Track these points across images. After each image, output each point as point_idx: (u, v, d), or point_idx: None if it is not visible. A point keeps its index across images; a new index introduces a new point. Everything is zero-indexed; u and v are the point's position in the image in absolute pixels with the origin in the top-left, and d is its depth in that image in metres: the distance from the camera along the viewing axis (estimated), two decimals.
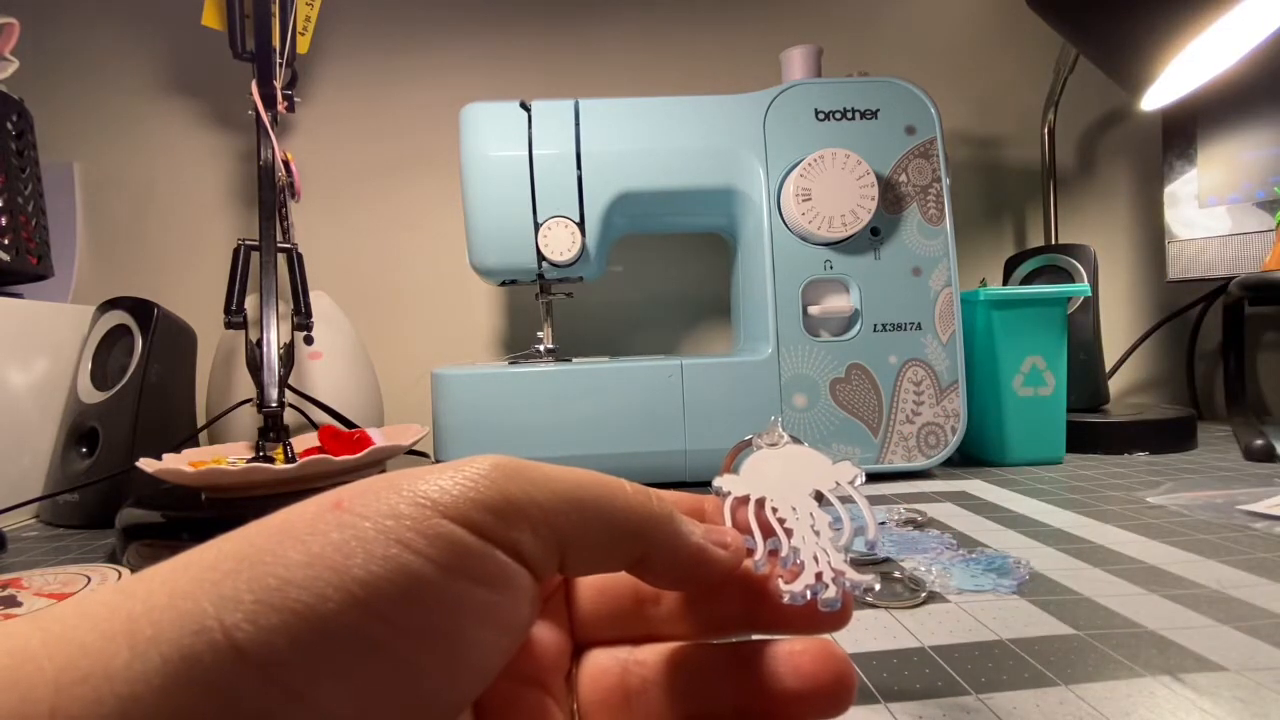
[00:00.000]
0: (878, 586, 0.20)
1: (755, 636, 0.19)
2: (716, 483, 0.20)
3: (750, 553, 0.18)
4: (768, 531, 0.19)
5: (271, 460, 0.50)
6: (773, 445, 0.22)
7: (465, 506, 0.14)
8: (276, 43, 0.62)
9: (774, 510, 0.19)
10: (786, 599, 0.17)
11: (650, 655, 0.19)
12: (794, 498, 0.19)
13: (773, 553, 0.18)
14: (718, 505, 0.20)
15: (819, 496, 0.19)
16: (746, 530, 0.19)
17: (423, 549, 0.13)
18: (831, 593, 0.17)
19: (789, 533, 0.18)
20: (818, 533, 0.18)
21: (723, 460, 0.23)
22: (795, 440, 0.22)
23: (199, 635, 0.11)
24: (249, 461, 0.50)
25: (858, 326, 0.60)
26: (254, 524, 0.14)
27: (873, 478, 0.59)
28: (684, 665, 0.18)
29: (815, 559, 0.18)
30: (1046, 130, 0.80)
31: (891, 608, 0.32)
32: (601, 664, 0.19)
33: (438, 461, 0.61)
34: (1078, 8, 0.60)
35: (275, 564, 0.12)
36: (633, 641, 0.19)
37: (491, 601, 0.14)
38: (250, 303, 0.56)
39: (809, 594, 0.17)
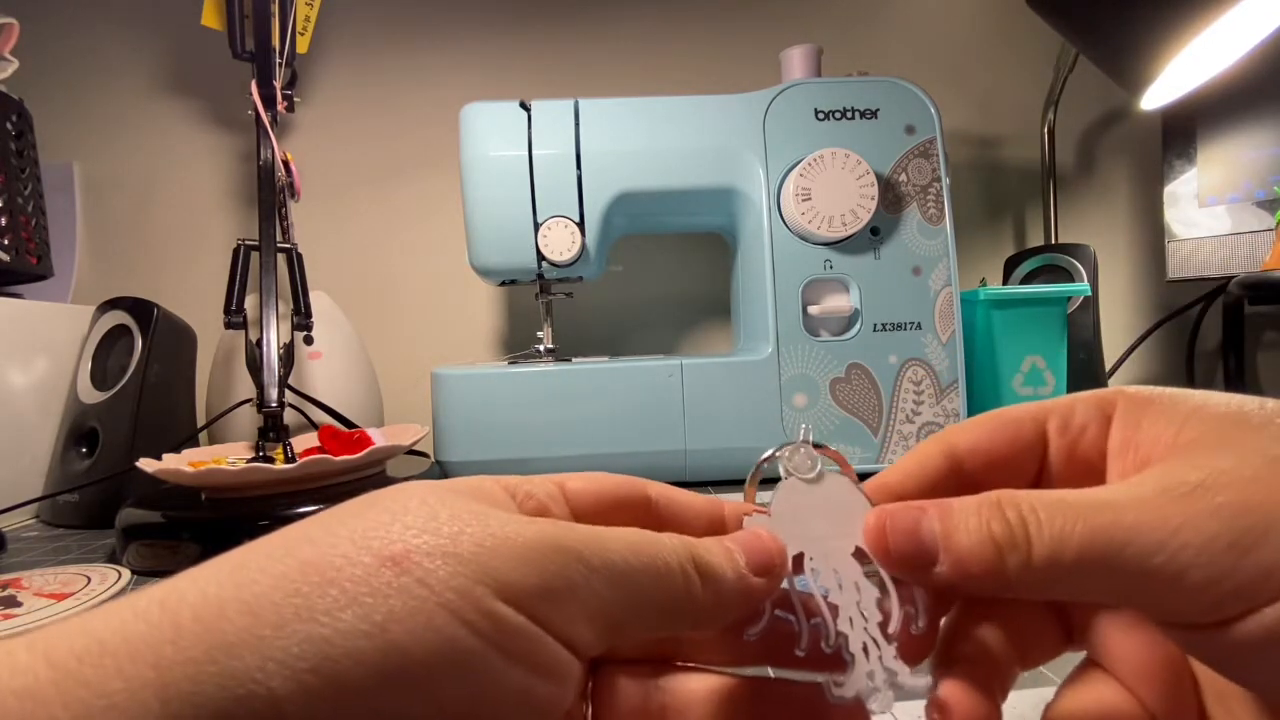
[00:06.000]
0: (936, 690, 0.17)
1: (773, 673, 0.18)
2: (747, 523, 0.18)
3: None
4: (810, 610, 0.17)
5: (271, 460, 0.50)
6: (806, 477, 0.18)
7: (530, 595, 0.13)
8: (276, 43, 0.62)
9: (814, 572, 0.17)
10: (833, 700, 0.16)
11: (671, 683, 0.18)
12: (836, 557, 0.17)
13: (813, 628, 0.17)
14: (736, 514, 0.19)
15: (861, 553, 0.17)
16: (785, 606, 0.17)
17: (488, 633, 0.12)
18: (885, 701, 0.15)
19: (834, 609, 0.17)
20: (865, 615, 0.16)
21: (747, 480, 0.19)
22: (829, 457, 0.19)
23: (243, 701, 0.10)
24: (249, 461, 0.50)
25: (858, 326, 0.60)
26: (282, 551, 0.12)
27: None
28: (704, 698, 0.17)
29: (865, 650, 0.16)
30: (1046, 130, 0.80)
31: None
32: (621, 685, 0.18)
33: (438, 462, 0.61)
34: (1078, 7, 0.60)
35: (331, 628, 0.11)
36: (648, 659, 0.19)
37: (542, 690, 0.13)
38: (250, 303, 0.56)
39: (859, 699, 0.16)
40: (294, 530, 0.13)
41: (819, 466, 0.18)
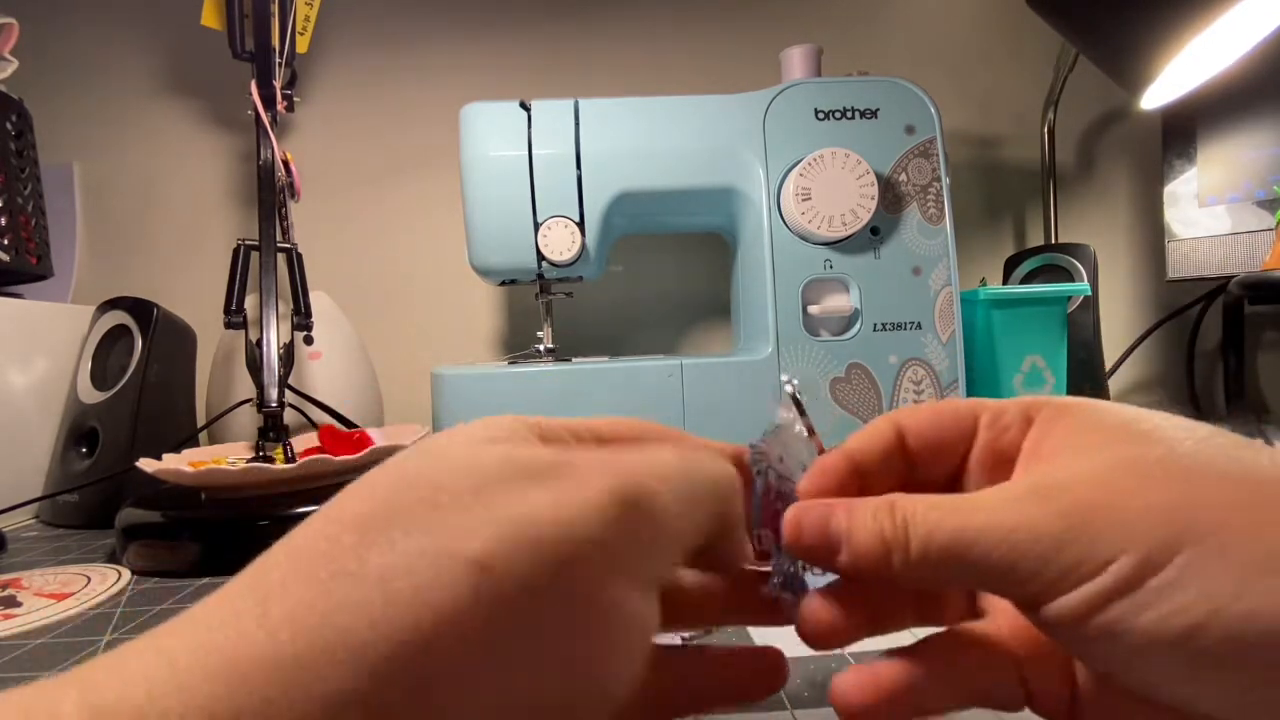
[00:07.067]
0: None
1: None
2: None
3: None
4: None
5: (271, 460, 0.50)
6: (776, 429, 0.21)
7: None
8: (276, 42, 0.62)
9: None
10: (765, 589, 0.20)
11: None
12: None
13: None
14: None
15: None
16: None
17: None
18: (789, 598, 0.19)
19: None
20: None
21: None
22: (798, 410, 0.21)
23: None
24: (249, 461, 0.50)
25: (858, 326, 0.60)
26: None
27: None
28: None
29: (784, 565, 0.19)
30: (1046, 130, 0.80)
31: None
32: None
33: None
34: (1078, 7, 0.60)
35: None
36: None
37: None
38: (250, 303, 0.56)
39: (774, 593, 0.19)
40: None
41: (789, 417, 0.21)
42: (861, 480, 0.19)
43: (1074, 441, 0.16)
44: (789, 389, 0.21)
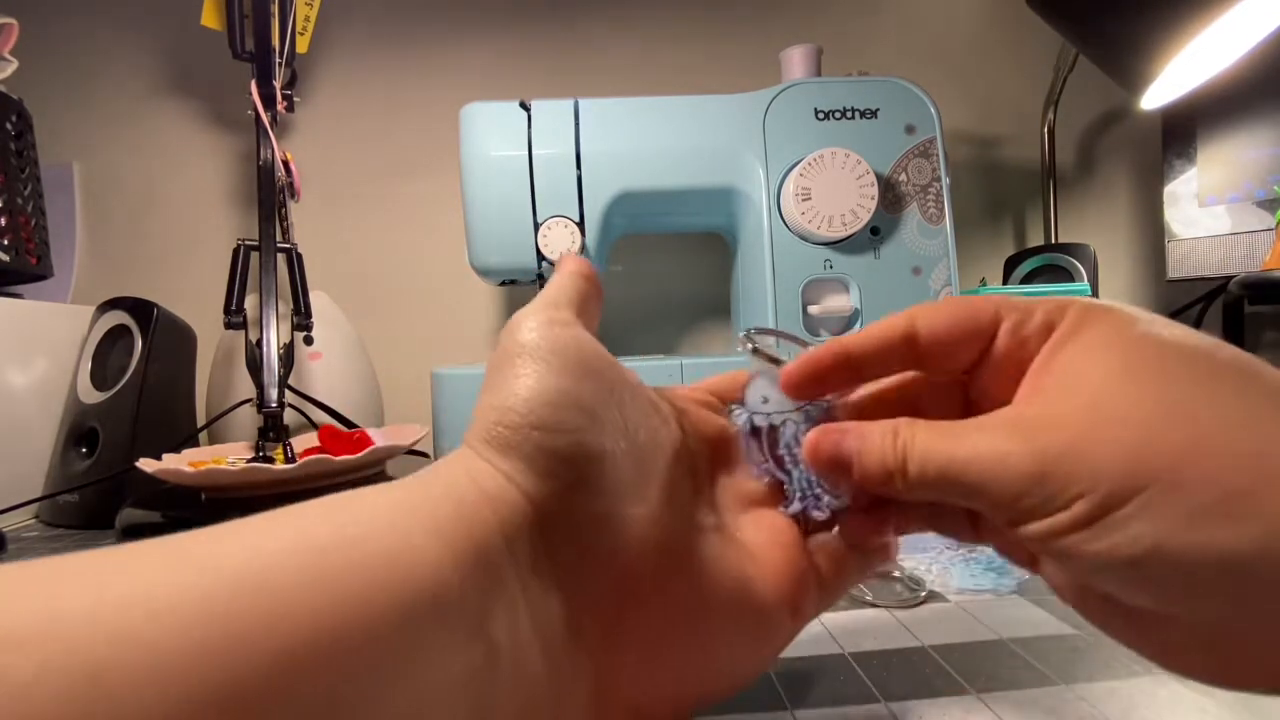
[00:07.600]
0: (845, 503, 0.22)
1: None
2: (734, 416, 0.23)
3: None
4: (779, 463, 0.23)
5: (271, 460, 0.50)
6: (750, 379, 0.23)
7: None
8: (276, 43, 0.62)
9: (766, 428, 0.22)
10: (783, 511, 0.22)
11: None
12: (788, 424, 0.22)
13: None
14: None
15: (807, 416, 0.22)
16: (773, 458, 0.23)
17: None
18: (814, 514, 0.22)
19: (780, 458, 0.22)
20: (795, 457, 0.22)
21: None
22: (765, 359, 0.23)
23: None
24: (249, 461, 0.50)
25: (858, 326, 0.60)
26: None
27: None
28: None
29: (796, 480, 0.22)
30: (1046, 130, 0.80)
31: (891, 607, 0.32)
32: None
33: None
34: (1078, 7, 0.60)
35: None
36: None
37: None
38: (250, 303, 0.56)
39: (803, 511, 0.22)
40: None
41: (751, 366, 0.23)
42: (853, 371, 0.21)
43: (1075, 366, 0.17)
44: (749, 345, 0.23)
